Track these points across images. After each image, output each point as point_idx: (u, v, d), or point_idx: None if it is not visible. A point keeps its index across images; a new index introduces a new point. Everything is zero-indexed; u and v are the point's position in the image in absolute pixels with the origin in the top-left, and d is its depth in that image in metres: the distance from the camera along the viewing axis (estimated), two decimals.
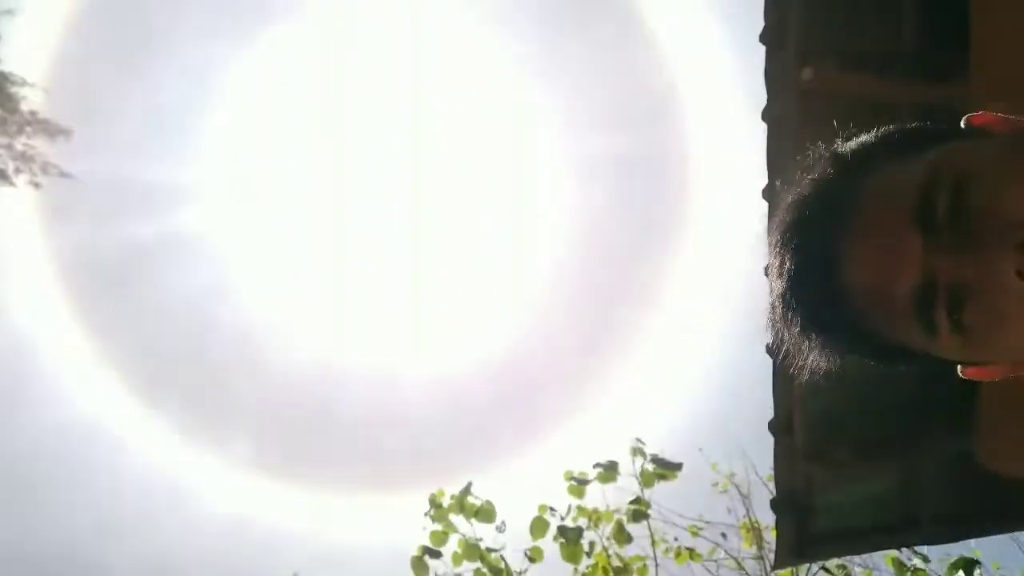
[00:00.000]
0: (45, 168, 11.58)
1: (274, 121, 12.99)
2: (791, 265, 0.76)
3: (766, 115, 2.68)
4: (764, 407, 2.75)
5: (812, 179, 0.78)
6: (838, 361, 0.79)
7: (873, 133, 0.78)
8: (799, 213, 0.77)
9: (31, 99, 11.53)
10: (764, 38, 2.71)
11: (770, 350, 1.14)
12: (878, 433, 2.80)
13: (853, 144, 0.78)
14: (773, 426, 2.60)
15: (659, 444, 6.23)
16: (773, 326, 0.80)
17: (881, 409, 2.78)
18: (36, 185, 11.67)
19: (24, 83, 11.37)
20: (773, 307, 0.80)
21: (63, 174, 11.68)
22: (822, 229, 0.73)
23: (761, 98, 2.75)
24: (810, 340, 0.78)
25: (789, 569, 5.67)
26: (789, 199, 0.79)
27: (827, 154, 0.79)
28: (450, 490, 5.81)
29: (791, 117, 2.61)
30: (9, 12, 11.06)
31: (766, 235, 0.81)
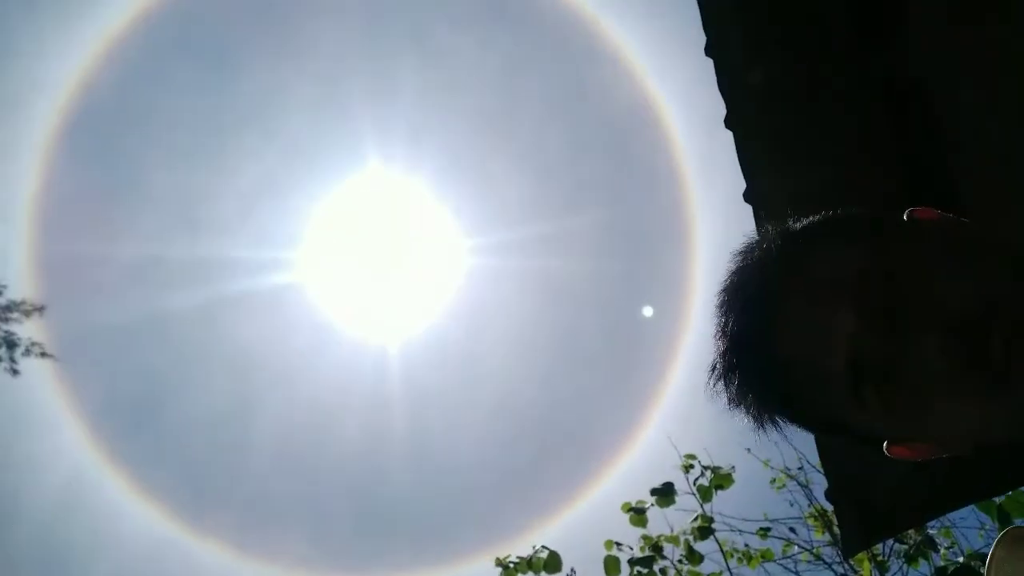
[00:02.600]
0: (30, 349, 11.81)
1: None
2: (732, 330, 0.81)
3: (728, 123, 2.76)
4: None
5: (760, 253, 0.84)
6: (770, 423, 0.83)
7: (821, 216, 0.85)
8: (745, 283, 0.83)
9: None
10: (708, 52, 2.81)
11: None
12: None
13: (801, 224, 0.84)
14: None
15: (704, 454, 6.19)
16: (713, 384, 0.84)
17: None
18: (15, 372, 11.86)
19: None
20: (713, 366, 0.83)
21: (45, 354, 11.87)
22: (766, 302, 0.79)
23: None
24: (745, 402, 0.83)
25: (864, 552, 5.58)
26: (734, 266, 0.84)
27: (776, 230, 0.85)
28: (514, 551, 5.78)
29: (751, 119, 2.68)
30: None
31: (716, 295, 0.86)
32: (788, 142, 2.63)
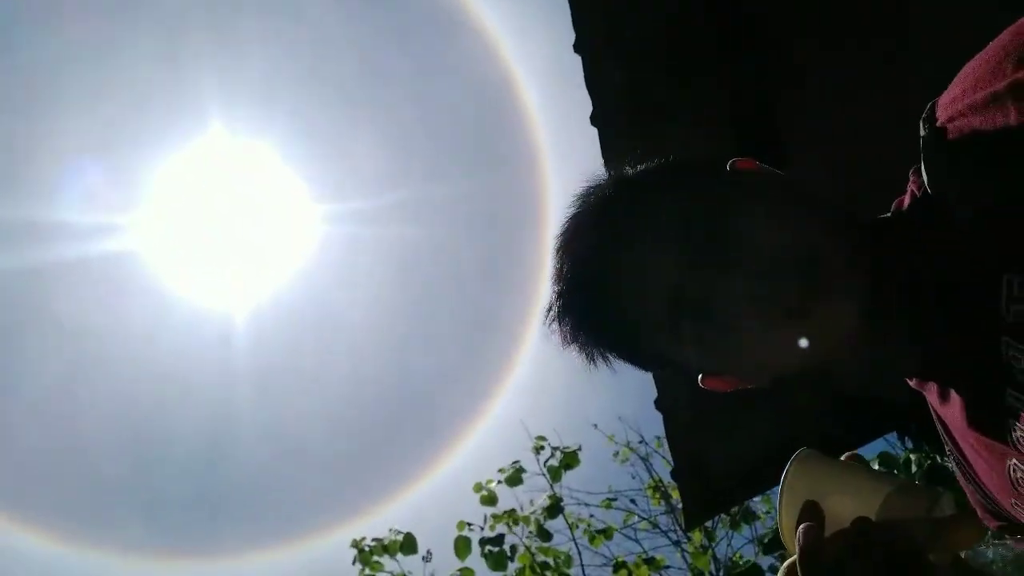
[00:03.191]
0: None
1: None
2: (566, 273, 0.86)
3: (594, 120, 2.85)
4: (641, 378, 2.93)
5: (595, 197, 0.88)
6: (601, 360, 0.90)
7: (653, 163, 0.90)
8: (579, 226, 0.88)
9: None
10: (577, 48, 2.87)
11: None
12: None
13: (634, 170, 0.90)
14: (659, 404, 2.77)
15: (550, 429, 6.42)
16: (548, 325, 0.90)
17: None
18: None
19: None
20: (549, 308, 0.90)
21: None
22: (596, 243, 0.85)
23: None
24: (578, 340, 0.88)
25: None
26: (571, 211, 0.89)
27: (611, 175, 0.90)
28: (365, 530, 5.75)
29: (614, 118, 2.78)
30: None
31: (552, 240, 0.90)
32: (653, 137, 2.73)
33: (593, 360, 0.90)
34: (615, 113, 2.72)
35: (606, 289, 0.84)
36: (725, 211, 0.80)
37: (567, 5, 2.73)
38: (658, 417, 2.88)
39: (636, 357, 0.91)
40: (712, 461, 2.95)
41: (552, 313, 0.89)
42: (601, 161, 2.82)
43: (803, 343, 0.77)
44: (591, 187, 0.90)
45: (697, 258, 0.78)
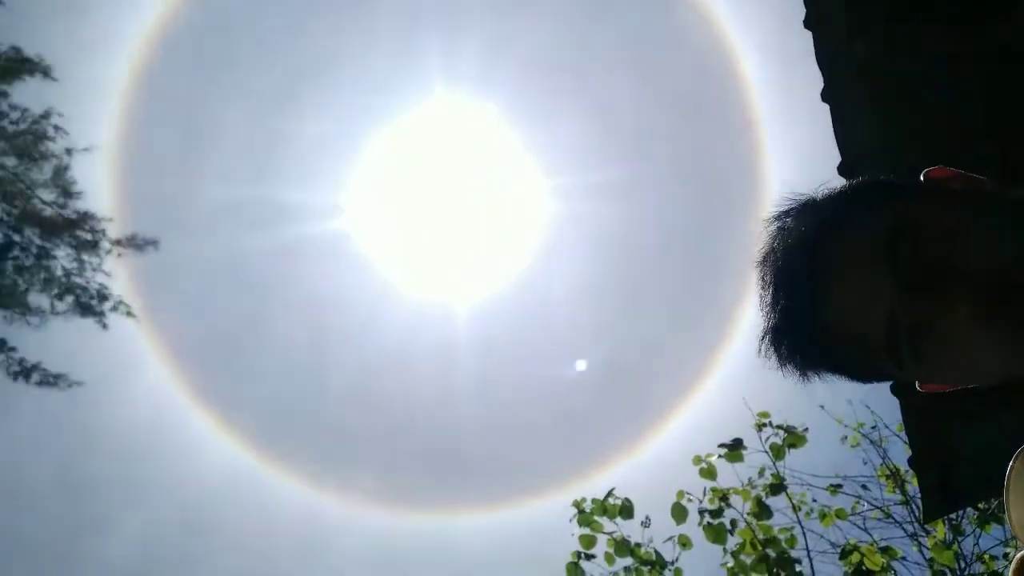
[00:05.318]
0: (117, 307, 11.90)
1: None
2: (777, 304, 0.90)
3: (825, 96, 2.76)
4: None
5: (795, 223, 0.91)
6: (817, 378, 0.92)
7: (844, 186, 0.92)
8: (785, 259, 0.90)
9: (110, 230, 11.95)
10: (808, 23, 2.79)
11: None
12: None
13: (826, 196, 0.91)
14: (895, 388, 2.67)
15: (777, 408, 6.23)
16: (764, 352, 0.93)
17: None
18: (104, 326, 11.88)
19: (106, 220, 11.88)
20: (763, 336, 0.93)
21: (131, 314, 11.93)
22: (806, 275, 0.87)
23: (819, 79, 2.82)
24: (795, 365, 0.92)
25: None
26: (773, 240, 0.92)
27: (804, 203, 0.92)
28: (589, 495, 5.99)
29: (851, 93, 2.67)
30: (86, 150, 11.65)
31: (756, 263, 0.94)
32: (890, 114, 2.61)
33: (809, 379, 0.92)
34: (848, 88, 2.63)
35: (820, 319, 0.85)
36: (929, 228, 0.80)
37: None
38: (895, 401, 2.77)
39: (853, 375, 0.93)
40: (956, 451, 2.78)
41: (767, 341, 0.92)
42: (833, 137, 2.73)
43: None
44: (788, 211, 0.92)
45: (908, 281, 0.79)
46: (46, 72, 11.11)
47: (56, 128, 11.39)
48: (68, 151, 11.45)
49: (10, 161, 11.29)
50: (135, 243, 11.81)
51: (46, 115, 11.34)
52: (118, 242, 11.79)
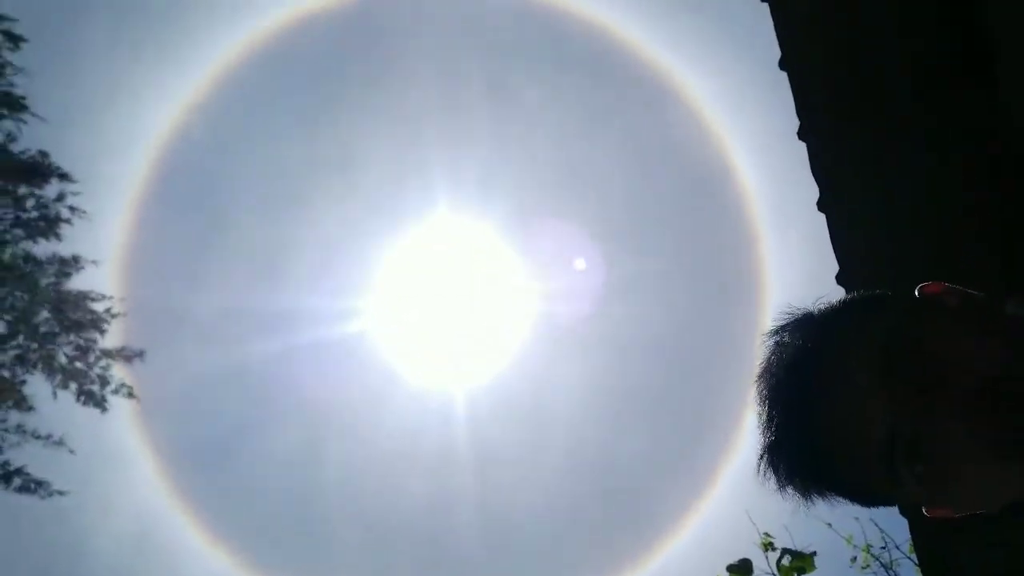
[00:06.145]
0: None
1: None
2: (774, 423, 0.88)
3: (821, 205, 2.79)
4: None
5: (791, 341, 0.90)
6: (819, 499, 0.88)
7: (839, 300, 0.91)
8: (781, 378, 0.89)
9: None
10: (801, 134, 2.86)
11: None
12: None
13: (821, 311, 0.91)
14: (903, 509, 2.56)
15: (782, 523, 6.00)
16: (762, 472, 0.90)
17: None
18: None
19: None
20: (761, 455, 0.90)
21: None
22: (802, 398, 0.85)
23: None
24: (794, 485, 0.89)
25: None
26: (770, 357, 0.91)
27: (799, 317, 0.91)
28: None
29: (845, 204, 2.70)
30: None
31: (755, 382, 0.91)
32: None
33: (811, 501, 0.90)
34: (842, 199, 2.66)
35: (816, 438, 0.84)
36: (924, 347, 0.79)
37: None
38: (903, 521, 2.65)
39: (855, 497, 0.91)
40: (967, 574, 2.65)
41: (764, 461, 0.91)
42: (831, 246, 2.74)
43: None
44: (784, 326, 0.92)
45: (904, 401, 0.78)
46: (64, 176, 11.46)
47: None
48: (75, 259, 11.68)
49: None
50: (124, 354, 11.96)
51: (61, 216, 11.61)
52: (107, 353, 11.94)
